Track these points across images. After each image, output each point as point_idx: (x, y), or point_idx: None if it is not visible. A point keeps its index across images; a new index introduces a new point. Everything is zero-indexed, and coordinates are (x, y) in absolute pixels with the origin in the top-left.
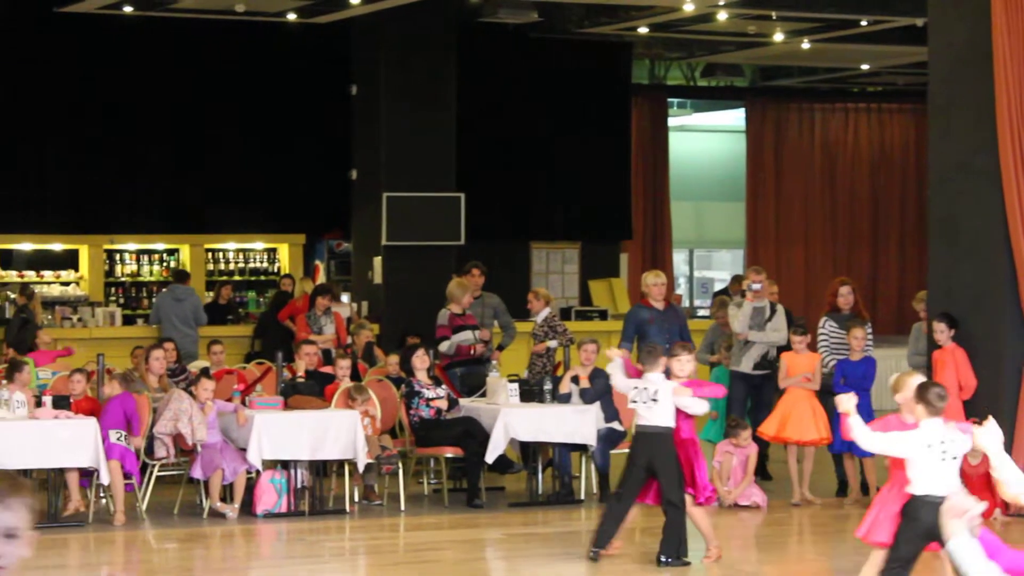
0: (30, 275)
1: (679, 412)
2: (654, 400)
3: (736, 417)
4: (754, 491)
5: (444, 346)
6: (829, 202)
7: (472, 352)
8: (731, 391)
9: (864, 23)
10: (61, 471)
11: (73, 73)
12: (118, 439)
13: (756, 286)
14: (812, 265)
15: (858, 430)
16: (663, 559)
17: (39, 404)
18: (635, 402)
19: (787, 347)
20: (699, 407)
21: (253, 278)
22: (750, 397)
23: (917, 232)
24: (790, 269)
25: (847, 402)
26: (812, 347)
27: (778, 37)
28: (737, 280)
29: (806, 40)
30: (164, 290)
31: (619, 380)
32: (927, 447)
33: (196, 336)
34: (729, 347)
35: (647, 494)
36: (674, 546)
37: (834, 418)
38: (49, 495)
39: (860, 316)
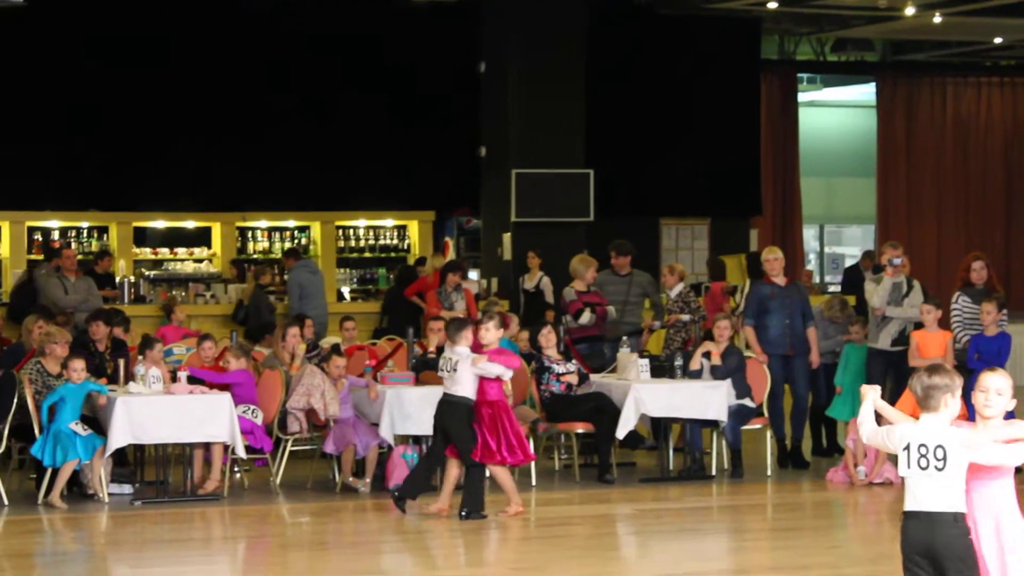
0: (164, 252)
1: (489, 379)
2: (454, 371)
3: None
4: (887, 468)
5: (585, 318)
6: (961, 177)
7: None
8: (868, 368)
9: None
10: (198, 446)
11: (207, 54)
12: (243, 413)
13: (897, 261)
14: (944, 241)
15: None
16: (463, 513)
17: (175, 379)
18: (442, 371)
19: (922, 324)
20: (496, 370)
21: (383, 255)
22: (889, 373)
23: None
24: (922, 245)
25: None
26: (944, 324)
27: (909, 11)
28: (868, 256)
29: (938, 14)
30: (296, 264)
31: None
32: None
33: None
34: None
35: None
36: (473, 502)
37: (967, 394)
38: (185, 469)
39: (994, 291)
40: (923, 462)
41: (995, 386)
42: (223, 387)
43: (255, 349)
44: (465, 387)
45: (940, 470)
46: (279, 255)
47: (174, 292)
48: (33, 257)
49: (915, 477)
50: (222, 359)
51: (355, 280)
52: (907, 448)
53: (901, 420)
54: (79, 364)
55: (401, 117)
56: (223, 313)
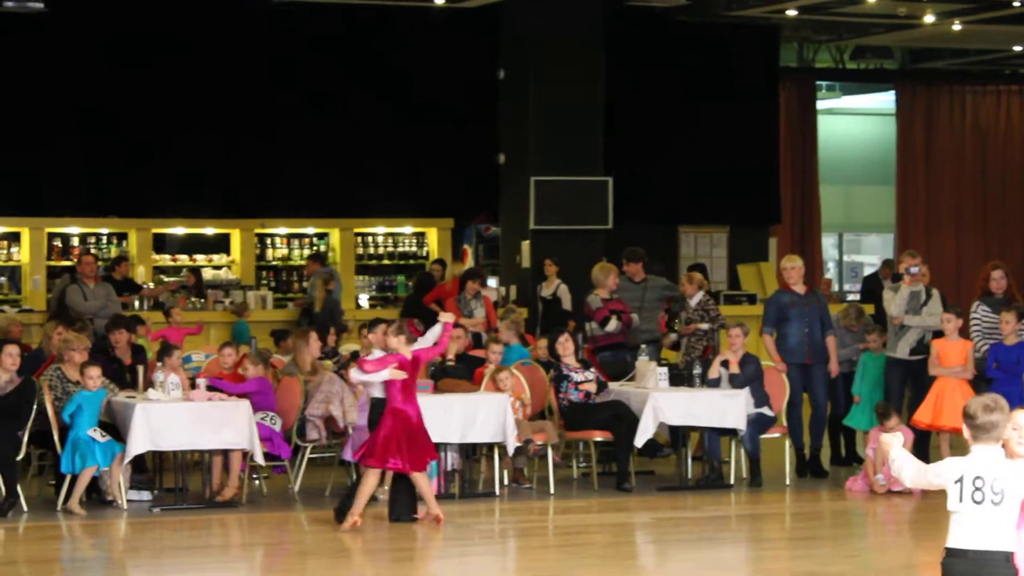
0: (183, 259)
1: (391, 384)
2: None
3: (883, 404)
4: None
5: (612, 325)
6: (980, 185)
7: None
8: (887, 377)
9: (1017, 3)
10: (217, 452)
11: (227, 61)
12: (262, 420)
13: (914, 269)
14: (963, 249)
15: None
16: (392, 518)
17: (193, 386)
18: None
19: (940, 333)
20: (374, 377)
21: (402, 262)
22: (908, 382)
23: None
24: (940, 253)
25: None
26: (964, 333)
27: (928, 19)
28: (888, 264)
29: (957, 21)
30: (320, 269)
31: None
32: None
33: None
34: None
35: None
36: (403, 507)
37: None
38: (203, 476)
39: (1013, 301)
40: (978, 495)
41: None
42: (241, 394)
43: (274, 356)
44: (373, 389)
45: (996, 504)
46: (298, 262)
47: (176, 294)
48: (52, 263)
49: (967, 511)
50: (240, 366)
51: (374, 287)
52: (959, 481)
53: (911, 464)
54: (95, 371)
55: (420, 124)
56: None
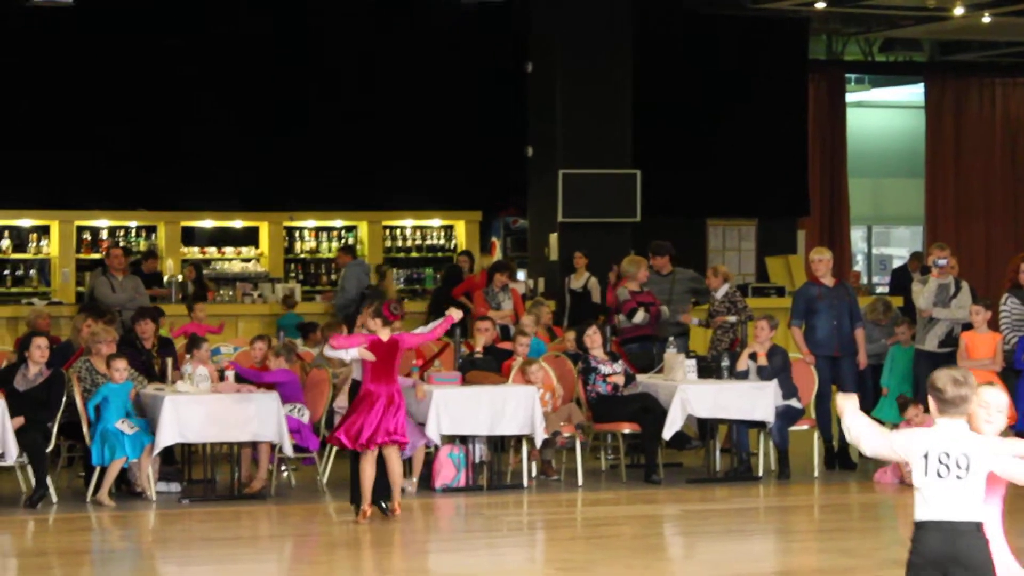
0: (211, 251)
1: (364, 365)
2: None
3: (903, 396)
4: None
5: (639, 317)
6: (1010, 178)
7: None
8: (915, 370)
9: None
10: (245, 445)
11: (255, 54)
12: (290, 412)
13: (942, 262)
14: (993, 242)
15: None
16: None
17: (222, 378)
18: None
19: (969, 326)
20: (340, 354)
21: (430, 255)
22: None
23: None
24: (970, 246)
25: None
26: (993, 325)
27: (958, 11)
28: (916, 257)
29: (987, 14)
30: (352, 261)
31: None
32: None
33: None
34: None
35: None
36: (378, 491)
37: (1018, 397)
38: (232, 468)
39: None
40: (943, 470)
41: (997, 403)
42: (269, 386)
43: (302, 349)
44: (355, 372)
45: (961, 479)
46: (326, 255)
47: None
48: (81, 256)
49: (933, 486)
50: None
51: (402, 280)
52: (926, 456)
53: (870, 431)
54: (121, 363)
55: (448, 117)
56: (271, 312)
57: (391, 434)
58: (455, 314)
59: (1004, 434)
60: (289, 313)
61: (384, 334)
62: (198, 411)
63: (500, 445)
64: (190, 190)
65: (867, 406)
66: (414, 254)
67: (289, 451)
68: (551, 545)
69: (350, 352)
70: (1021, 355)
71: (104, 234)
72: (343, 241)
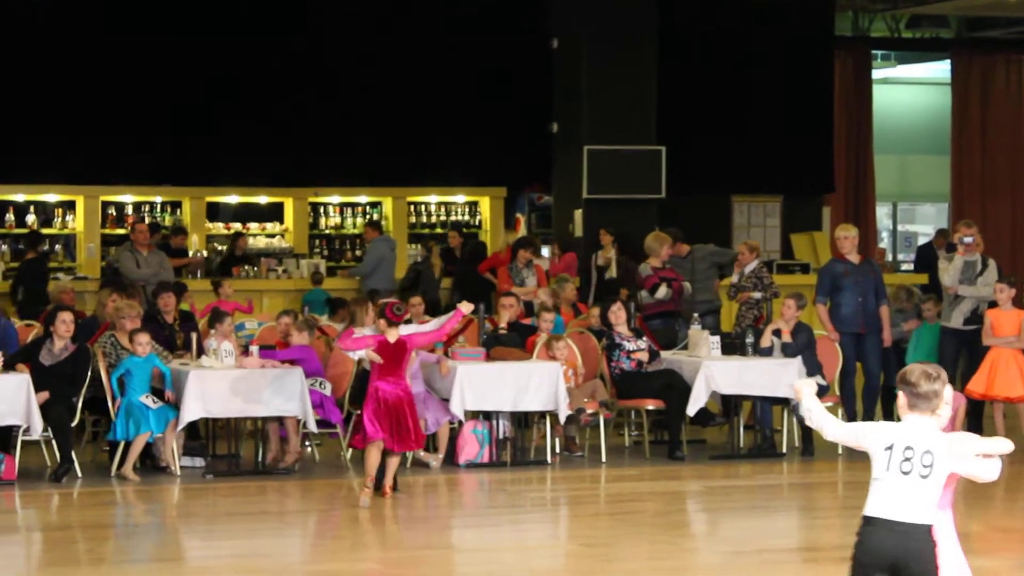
0: (236, 227)
1: (373, 362)
2: None
3: None
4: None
5: (661, 292)
6: None
7: (673, 300)
8: (941, 347)
9: None
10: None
11: (280, 29)
12: (312, 386)
13: (968, 239)
14: (1019, 219)
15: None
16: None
17: (246, 353)
18: None
19: (995, 303)
20: (349, 354)
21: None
22: (962, 352)
23: None
24: (996, 223)
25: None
26: (1018, 302)
27: None
28: (942, 234)
29: None
30: (378, 237)
31: None
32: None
33: (395, 288)
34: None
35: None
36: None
37: None
38: (257, 443)
39: None
40: (907, 466)
41: (946, 396)
42: (292, 361)
43: (327, 324)
44: (363, 363)
45: (924, 477)
46: (351, 230)
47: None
48: (107, 231)
49: (893, 481)
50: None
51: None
52: (889, 448)
53: (830, 420)
54: (144, 338)
55: (473, 93)
56: (296, 288)
57: (403, 445)
58: (464, 308)
59: None
60: (316, 289)
61: (391, 335)
62: (223, 386)
63: (524, 421)
64: (215, 166)
65: (892, 383)
66: (439, 230)
67: (313, 427)
68: (574, 521)
69: (357, 354)
70: None
71: (129, 209)
72: (368, 217)
